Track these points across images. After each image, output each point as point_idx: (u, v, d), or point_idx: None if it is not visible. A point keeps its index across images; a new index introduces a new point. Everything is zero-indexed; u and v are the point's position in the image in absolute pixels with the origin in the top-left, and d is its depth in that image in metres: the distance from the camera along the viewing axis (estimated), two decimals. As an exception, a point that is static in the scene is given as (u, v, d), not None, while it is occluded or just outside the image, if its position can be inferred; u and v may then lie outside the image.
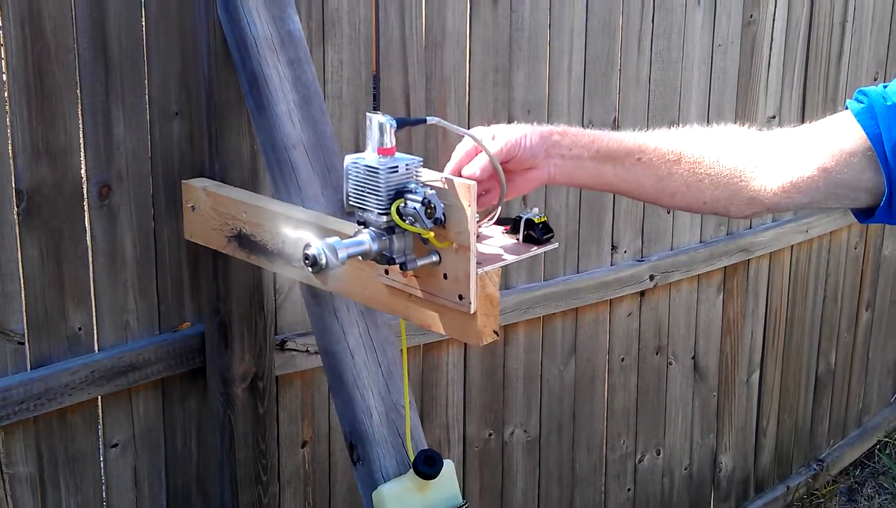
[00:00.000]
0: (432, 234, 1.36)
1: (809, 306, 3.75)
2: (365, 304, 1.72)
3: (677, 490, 3.40)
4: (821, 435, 4.01)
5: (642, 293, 3.07)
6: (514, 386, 2.80)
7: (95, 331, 2.00)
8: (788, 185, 1.41)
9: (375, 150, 1.35)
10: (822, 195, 1.41)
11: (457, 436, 2.69)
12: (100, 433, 2.05)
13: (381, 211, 1.36)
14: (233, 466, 2.15)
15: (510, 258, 1.44)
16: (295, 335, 2.25)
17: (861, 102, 1.37)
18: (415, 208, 1.34)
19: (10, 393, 1.86)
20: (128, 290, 2.03)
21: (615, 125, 2.84)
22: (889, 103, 1.33)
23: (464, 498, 1.78)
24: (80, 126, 1.91)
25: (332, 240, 1.37)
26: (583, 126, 1.93)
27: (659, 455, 3.29)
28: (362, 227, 1.39)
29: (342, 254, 1.37)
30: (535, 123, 1.45)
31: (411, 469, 1.72)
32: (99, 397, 2.02)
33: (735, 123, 1.60)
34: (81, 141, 1.92)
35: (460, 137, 1.42)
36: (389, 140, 1.35)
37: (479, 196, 1.42)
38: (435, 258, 1.40)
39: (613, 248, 2.95)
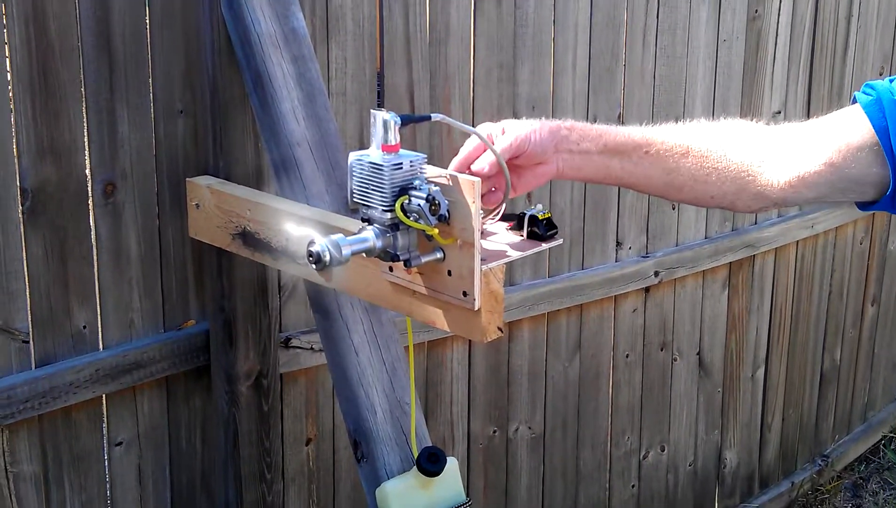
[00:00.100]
0: (436, 230, 1.36)
1: (815, 302, 3.74)
2: (369, 301, 1.71)
3: (682, 487, 3.39)
4: (826, 431, 4.01)
5: (647, 290, 3.06)
6: (519, 383, 2.80)
7: (100, 329, 2.00)
8: (795, 180, 1.40)
9: (380, 147, 1.35)
10: (829, 190, 1.40)
11: (461, 433, 2.69)
12: (104, 431, 2.06)
13: (385, 208, 1.35)
14: (237, 464, 2.15)
15: (514, 255, 1.43)
16: (299, 332, 2.25)
17: (869, 96, 1.36)
18: (419, 205, 1.33)
19: (14, 392, 1.86)
20: (132, 288, 2.03)
21: (620, 121, 2.83)
22: None
23: (468, 496, 1.78)
24: (85, 124, 1.91)
25: (336, 237, 1.37)
26: (587, 122, 1.92)
27: (663, 451, 3.29)
28: (366, 224, 1.39)
29: (346, 251, 1.37)
30: (542, 119, 1.45)
31: (415, 467, 1.72)
32: (103, 395, 2.02)
33: (741, 118, 1.60)
34: (86, 139, 1.92)
35: (464, 134, 1.42)
36: (394, 137, 1.35)
37: (488, 193, 1.42)
38: (439, 255, 1.39)
39: (618, 244, 2.95)
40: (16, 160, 1.83)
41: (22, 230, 1.86)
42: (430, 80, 2.39)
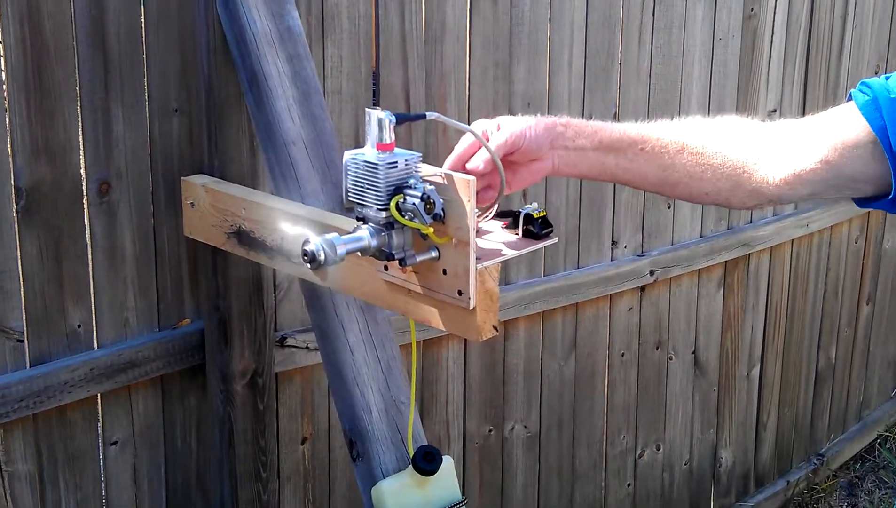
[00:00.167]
0: (431, 229, 1.36)
1: (810, 301, 3.75)
2: (364, 300, 1.71)
3: (677, 486, 3.40)
4: (821, 430, 4.01)
5: (643, 288, 3.07)
6: (515, 382, 2.80)
7: (95, 328, 2.00)
8: (791, 177, 1.40)
9: (375, 145, 1.35)
10: (825, 187, 1.40)
11: (457, 432, 2.69)
12: (99, 430, 2.05)
13: (380, 207, 1.35)
14: (232, 463, 2.15)
15: (509, 254, 1.43)
16: (294, 331, 2.25)
17: (865, 94, 1.36)
18: (414, 204, 1.33)
19: (9, 391, 1.85)
20: (127, 287, 2.03)
21: (616, 119, 2.83)
22: (893, 96, 1.33)
23: (463, 495, 1.78)
24: (80, 124, 1.91)
25: (331, 236, 1.37)
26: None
27: (659, 450, 3.29)
28: (361, 223, 1.39)
29: (341, 250, 1.37)
30: (538, 115, 1.45)
31: (410, 466, 1.72)
32: (98, 394, 2.01)
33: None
34: (81, 139, 1.92)
35: (460, 132, 1.42)
36: (389, 136, 1.35)
37: (483, 190, 1.42)
38: (434, 254, 1.39)
39: (614, 243, 2.95)
40: (10, 160, 1.82)
41: (16, 230, 1.85)
42: (426, 78, 2.39)
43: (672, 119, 1.51)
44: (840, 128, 1.37)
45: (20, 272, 1.87)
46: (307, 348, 2.25)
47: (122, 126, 1.96)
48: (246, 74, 1.89)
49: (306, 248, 1.38)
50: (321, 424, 2.38)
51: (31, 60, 1.82)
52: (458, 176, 1.34)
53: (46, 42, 1.84)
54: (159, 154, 2.03)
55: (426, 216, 1.34)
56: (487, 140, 1.39)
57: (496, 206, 1.46)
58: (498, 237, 1.47)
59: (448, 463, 1.74)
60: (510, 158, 1.42)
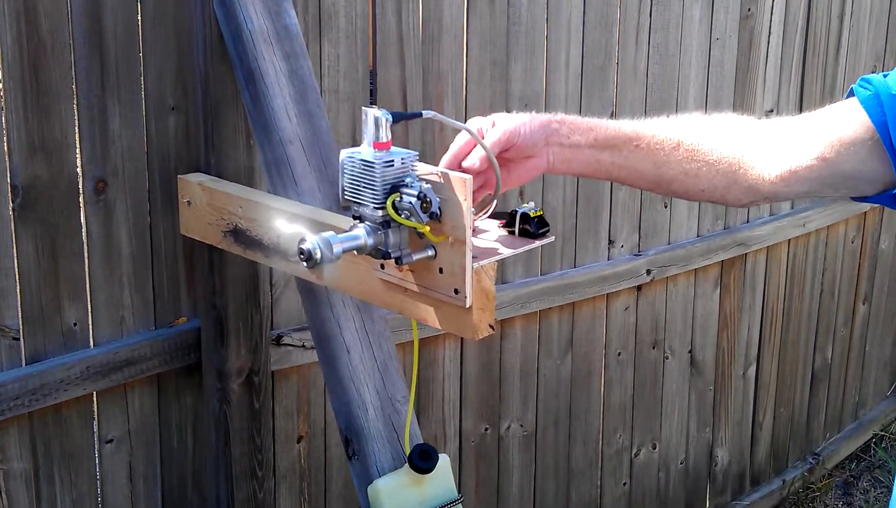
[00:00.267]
0: (428, 228, 1.36)
1: (806, 300, 3.75)
2: (361, 299, 1.71)
3: (673, 484, 3.40)
4: (817, 429, 4.02)
5: (639, 288, 3.07)
6: (511, 381, 2.80)
7: (91, 326, 2.00)
8: (787, 174, 1.40)
9: (371, 144, 1.35)
10: (821, 185, 1.39)
11: (453, 431, 2.69)
12: (95, 428, 2.05)
13: (376, 205, 1.35)
14: (228, 461, 2.15)
15: (506, 252, 1.43)
16: (291, 330, 2.25)
17: (866, 90, 1.35)
18: (410, 203, 1.33)
19: (4, 389, 1.85)
20: (123, 285, 2.03)
21: (613, 119, 2.82)
22: (894, 92, 1.32)
23: (459, 493, 1.78)
24: (76, 121, 1.91)
25: (328, 235, 1.37)
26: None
27: (655, 449, 3.29)
28: (358, 221, 1.39)
29: (337, 249, 1.37)
30: (533, 112, 1.45)
31: (407, 464, 1.72)
32: (94, 392, 2.01)
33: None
34: (77, 136, 1.91)
35: (457, 131, 1.42)
36: (385, 134, 1.34)
37: (479, 188, 1.42)
38: (430, 253, 1.39)
39: (610, 242, 2.95)
40: (7, 157, 1.82)
41: (13, 227, 1.85)
42: (423, 77, 2.39)
43: (668, 117, 1.51)
44: (837, 125, 1.37)
45: (16, 270, 1.87)
46: (303, 346, 2.25)
47: (119, 124, 1.96)
48: (242, 72, 1.89)
49: (303, 246, 1.38)
50: (317, 422, 2.38)
51: (27, 58, 1.82)
52: (454, 174, 1.34)
53: (43, 40, 1.83)
54: (156, 152, 2.03)
55: (422, 215, 1.33)
56: (483, 138, 1.39)
57: (493, 204, 1.46)
58: (494, 236, 1.47)
59: (444, 462, 1.74)
60: (505, 156, 1.41)
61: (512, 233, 1.46)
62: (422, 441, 1.80)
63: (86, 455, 2.04)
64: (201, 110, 2.00)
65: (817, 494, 3.97)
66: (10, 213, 1.84)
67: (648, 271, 3.04)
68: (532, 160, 1.43)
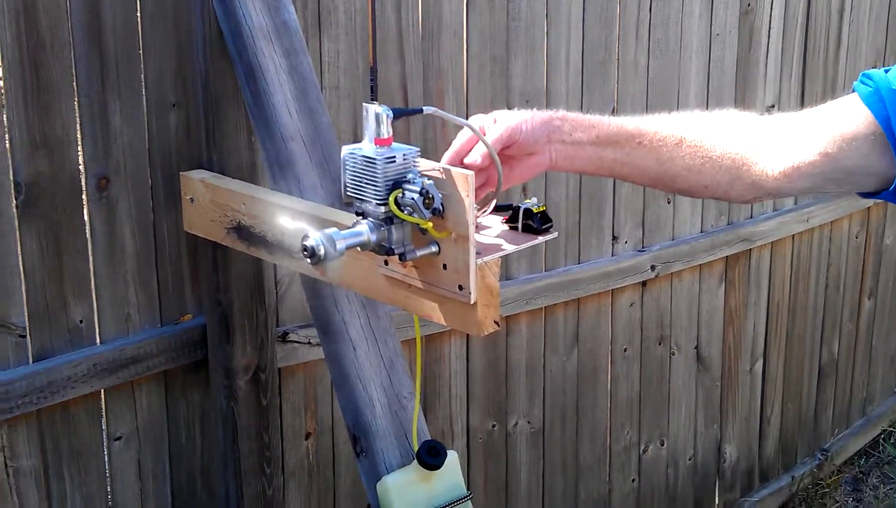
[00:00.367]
0: (430, 224, 1.35)
1: (811, 296, 3.74)
2: (365, 295, 1.71)
3: (682, 481, 3.40)
4: (825, 425, 4.01)
5: (644, 284, 3.07)
6: (517, 377, 2.80)
7: (97, 324, 2.00)
8: (790, 169, 1.40)
9: (373, 140, 1.35)
10: (824, 181, 1.39)
11: (460, 427, 2.69)
12: (103, 425, 2.06)
13: (379, 202, 1.35)
14: (236, 458, 2.15)
15: (509, 248, 1.43)
16: (297, 326, 2.25)
17: (867, 86, 1.35)
18: (413, 199, 1.33)
19: (12, 386, 1.86)
20: (128, 282, 2.03)
21: (613, 115, 2.82)
22: (895, 87, 1.32)
23: (468, 490, 1.78)
24: (77, 118, 1.91)
25: (331, 231, 1.37)
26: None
27: (663, 445, 3.29)
28: (360, 218, 1.39)
29: (340, 245, 1.36)
30: (535, 109, 1.45)
31: (415, 461, 1.72)
32: (101, 390, 2.02)
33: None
34: (78, 133, 1.92)
35: (458, 127, 1.42)
36: (386, 130, 1.34)
37: (482, 185, 1.42)
38: (434, 249, 1.39)
39: (614, 238, 2.95)
40: (9, 154, 1.83)
41: (16, 225, 1.86)
42: (424, 73, 2.39)
43: (670, 114, 1.51)
44: (840, 120, 1.36)
45: (21, 268, 1.88)
46: (309, 343, 2.25)
47: (120, 121, 1.97)
48: (243, 69, 1.89)
49: (306, 243, 1.38)
50: (325, 419, 2.38)
51: (27, 56, 1.83)
52: (456, 171, 1.34)
53: (43, 37, 1.84)
54: (157, 149, 2.03)
55: (425, 211, 1.33)
56: (485, 134, 1.39)
57: (495, 200, 1.46)
58: (497, 232, 1.47)
59: (453, 458, 1.74)
60: (507, 152, 1.41)
61: (515, 229, 1.46)
62: (429, 438, 1.80)
63: (94, 452, 2.04)
64: (202, 107, 2.00)
65: (826, 490, 3.96)
66: (14, 210, 1.85)
67: (653, 267, 3.04)
68: (534, 157, 1.44)
